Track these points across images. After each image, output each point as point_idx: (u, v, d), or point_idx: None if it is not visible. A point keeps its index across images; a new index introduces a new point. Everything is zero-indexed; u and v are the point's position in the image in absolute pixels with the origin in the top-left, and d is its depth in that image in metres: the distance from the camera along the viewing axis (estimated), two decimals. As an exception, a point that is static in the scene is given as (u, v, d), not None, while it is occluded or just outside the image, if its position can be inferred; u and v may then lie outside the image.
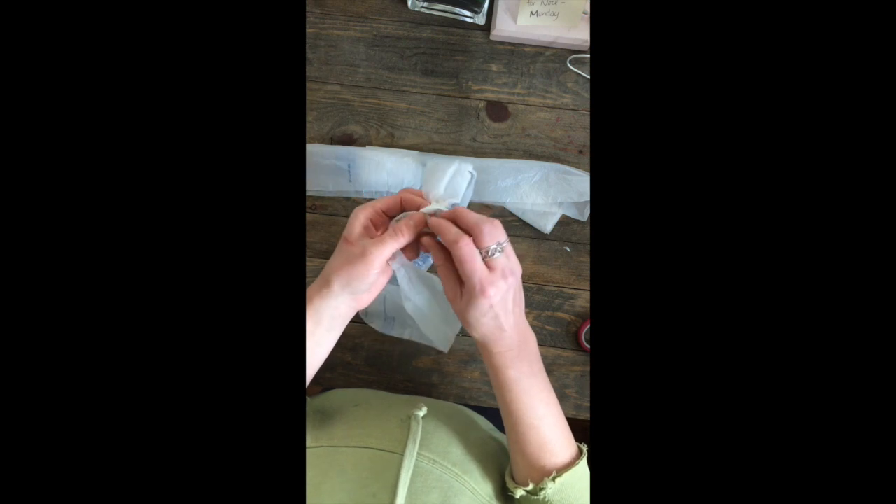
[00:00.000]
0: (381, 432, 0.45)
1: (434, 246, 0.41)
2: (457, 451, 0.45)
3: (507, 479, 0.43)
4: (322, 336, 0.42)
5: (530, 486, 0.40)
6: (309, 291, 0.42)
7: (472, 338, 0.42)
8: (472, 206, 0.61)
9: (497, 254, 0.38)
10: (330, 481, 0.40)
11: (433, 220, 0.40)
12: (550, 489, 0.39)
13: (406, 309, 0.46)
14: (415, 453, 0.42)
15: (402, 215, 0.42)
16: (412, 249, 0.43)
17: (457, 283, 0.40)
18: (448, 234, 0.38)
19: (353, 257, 0.40)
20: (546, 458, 0.41)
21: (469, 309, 0.39)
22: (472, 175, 0.45)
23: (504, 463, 0.47)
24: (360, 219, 0.41)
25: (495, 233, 0.38)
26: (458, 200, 0.43)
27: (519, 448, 0.42)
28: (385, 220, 0.43)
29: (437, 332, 0.48)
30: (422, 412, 0.46)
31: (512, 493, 0.42)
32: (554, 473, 0.40)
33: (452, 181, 0.43)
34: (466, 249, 0.37)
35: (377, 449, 0.43)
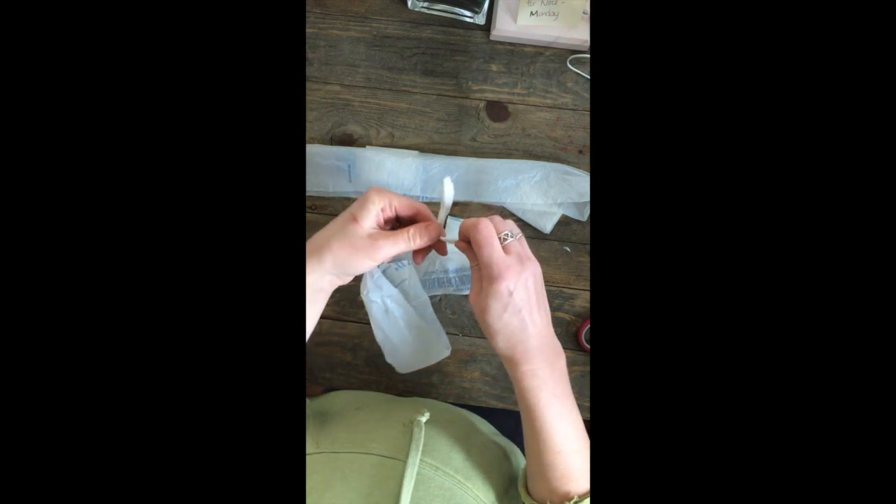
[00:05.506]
0: (383, 437, 0.44)
1: (467, 249, 0.40)
2: (459, 458, 0.44)
3: (522, 492, 0.43)
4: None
5: None
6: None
7: (496, 353, 0.40)
8: (473, 206, 0.62)
9: (510, 238, 0.38)
10: (332, 489, 0.40)
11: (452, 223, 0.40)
12: None
13: (376, 338, 0.47)
14: (417, 461, 0.41)
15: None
16: (421, 255, 0.43)
17: (479, 282, 0.39)
18: (467, 222, 0.39)
19: (359, 242, 0.38)
20: (571, 484, 0.40)
21: (489, 301, 0.37)
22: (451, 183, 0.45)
23: (506, 468, 0.47)
24: (376, 203, 0.39)
25: (507, 223, 0.39)
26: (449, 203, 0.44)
27: (542, 471, 0.40)
28: (392, 217, 0.41)
29: (401, 360, 0.50)
30: (424, 417, 0.45)
31: None
32: (576, 499, 0.39)
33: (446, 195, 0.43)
34: (485, 231, 0.37)
35: (380, 455, 0.43)
